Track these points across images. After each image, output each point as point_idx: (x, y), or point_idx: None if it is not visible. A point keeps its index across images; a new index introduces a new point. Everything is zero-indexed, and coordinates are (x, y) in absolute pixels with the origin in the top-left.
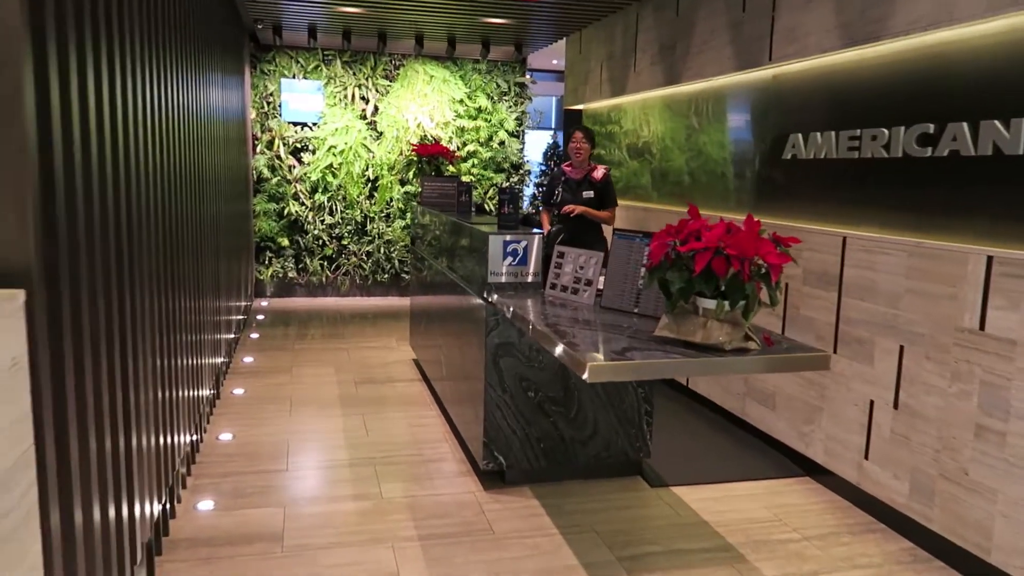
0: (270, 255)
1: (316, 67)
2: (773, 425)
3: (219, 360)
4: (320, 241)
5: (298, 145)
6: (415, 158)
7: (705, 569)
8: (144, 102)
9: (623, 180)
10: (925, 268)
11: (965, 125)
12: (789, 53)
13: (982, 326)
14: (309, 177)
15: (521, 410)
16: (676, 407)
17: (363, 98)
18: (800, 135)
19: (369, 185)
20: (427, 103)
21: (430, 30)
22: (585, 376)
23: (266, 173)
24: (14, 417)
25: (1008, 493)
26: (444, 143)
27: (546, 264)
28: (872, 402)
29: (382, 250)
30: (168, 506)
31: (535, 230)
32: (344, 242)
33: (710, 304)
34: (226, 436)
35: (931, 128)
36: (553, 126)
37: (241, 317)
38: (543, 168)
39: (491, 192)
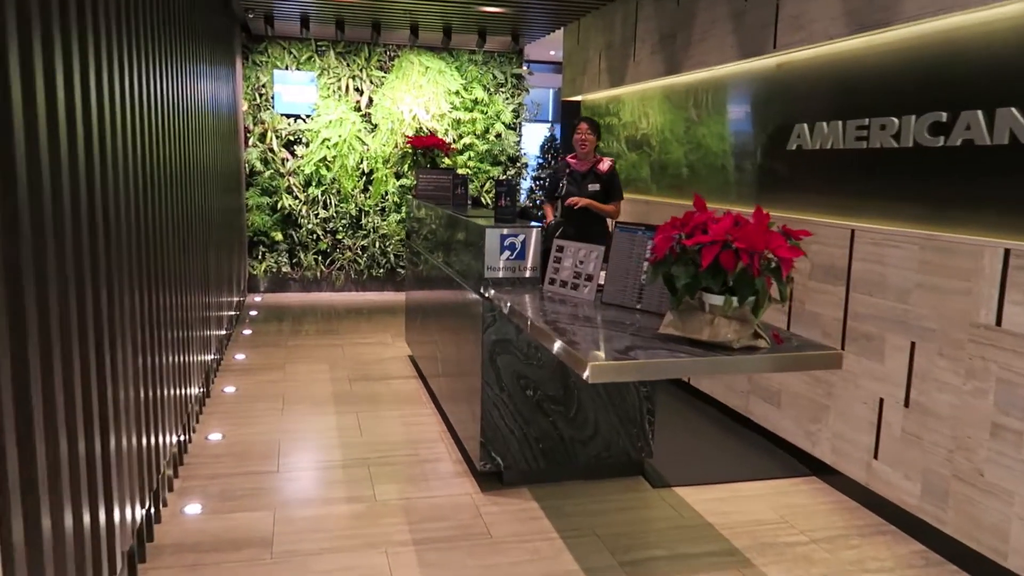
0: (263, 250)
1: (309, 58)
2: (779, 423)
3: (209, 357)
4: (314, 235)
5: (291, 138)
6: (410, 151)
7: (710, 574)
8: (122, 92)
9: (622, 173)
10: (937, 262)
11: (980, 113)
12: (794, 41)
13: (999, 322)
14: (303, 170)
15: (519, 409)
16: (678, 405)
17: (357, 90)
18: (805, 125)
19: (364, 178)
20: (422, 95)
21: (425, 20)
22: (586, 376)
23: (259, 166)
24: None
25: None
26: (440, 135)
27: (545, 258)
28: (882, 400)
29: (377, 244)
30: (153, 510)
31: (533, 223)
32: (338, 236)
33: (717, 300)
34: (215, 436)
35: (943, 116)
36: (551, 118)
37: (233, 313)
38: (540, 161)
39: (488, 185)
